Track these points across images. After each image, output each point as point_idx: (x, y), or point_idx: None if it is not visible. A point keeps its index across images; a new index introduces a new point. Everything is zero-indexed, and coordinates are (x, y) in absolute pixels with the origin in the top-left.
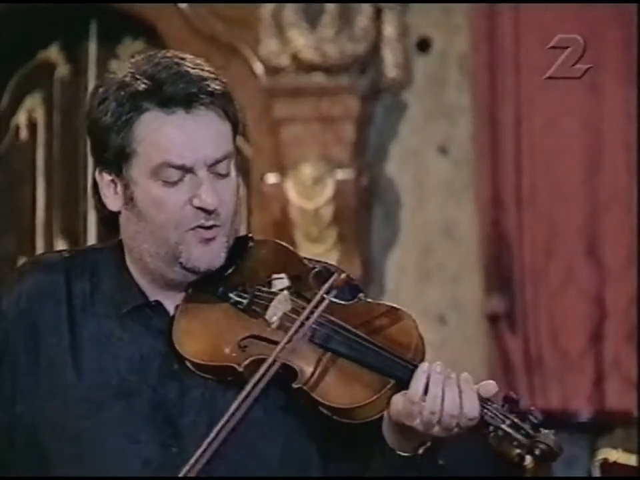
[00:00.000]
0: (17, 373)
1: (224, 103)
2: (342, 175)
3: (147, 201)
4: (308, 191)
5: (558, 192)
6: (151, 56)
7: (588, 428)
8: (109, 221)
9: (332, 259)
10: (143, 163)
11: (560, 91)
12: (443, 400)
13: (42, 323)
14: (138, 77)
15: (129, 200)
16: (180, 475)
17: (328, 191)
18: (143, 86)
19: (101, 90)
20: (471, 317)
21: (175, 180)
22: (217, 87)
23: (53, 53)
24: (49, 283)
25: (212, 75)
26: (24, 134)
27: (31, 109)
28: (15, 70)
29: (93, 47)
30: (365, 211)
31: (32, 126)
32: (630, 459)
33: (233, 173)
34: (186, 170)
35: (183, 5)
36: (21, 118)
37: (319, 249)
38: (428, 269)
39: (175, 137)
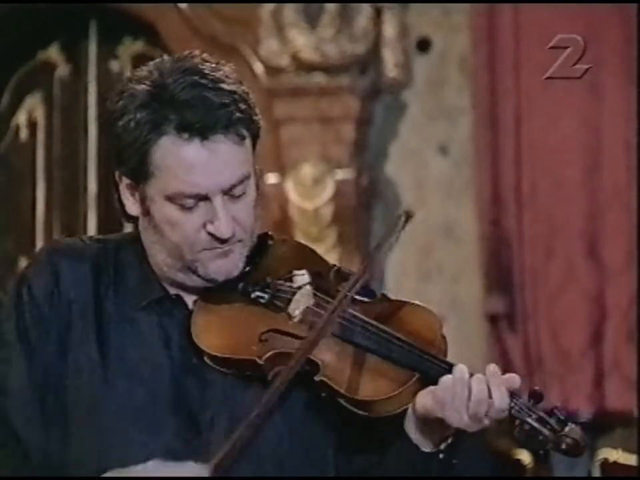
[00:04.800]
0: (48, 357)
1: (242, 125)
2: (342, 175)
3: (162, 219)
4: (308, 191)
5: (558, 192)
6: (174, 65)
7: (588, 428)
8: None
9: (332, 258)
10: (159, 186)
11: (560, 91)
12: (470, 385)
13: (72, 308)
14: (159, 93)
15: (146, 212)
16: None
17: (328, 190)
18: (163, 110)
19: (120, 103)
20: (471, 317)
21: (190, 206)
22: (236, 113)
23: (53, 53)
24: (77, 269)
25: (233, 97)
26: (24, 134)
27: (31, 108)
28: (15, 70)
29: (93, 47)
30: (364, 211)
31: (32, 126)
32: (630, 459)
33: (251, 188)
34: (200, 198)
35: (182, 5)
36: (21, 118)
37: (318, 249)
38: (428, 269)
39: (190, 166)
